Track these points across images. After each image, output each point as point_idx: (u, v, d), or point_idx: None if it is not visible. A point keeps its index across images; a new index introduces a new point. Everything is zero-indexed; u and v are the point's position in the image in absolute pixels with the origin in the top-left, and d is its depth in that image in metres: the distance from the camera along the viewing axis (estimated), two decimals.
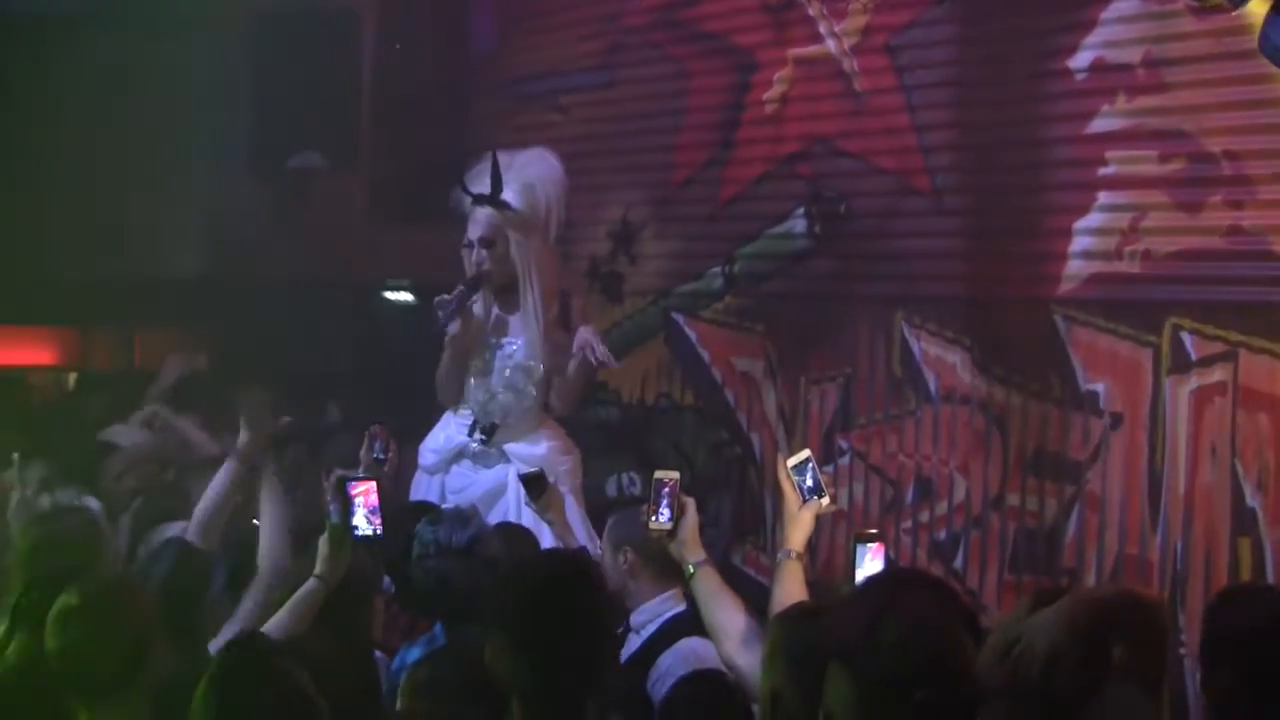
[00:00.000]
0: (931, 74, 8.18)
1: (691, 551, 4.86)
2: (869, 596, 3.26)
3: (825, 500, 5.01)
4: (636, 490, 8.16)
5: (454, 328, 6.87)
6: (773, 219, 8.89)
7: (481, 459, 7.06)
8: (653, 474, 5.00)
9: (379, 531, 5.09)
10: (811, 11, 8.65)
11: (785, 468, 5.00)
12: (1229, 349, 7.02)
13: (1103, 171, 7.44)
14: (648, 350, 9.64)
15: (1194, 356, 7.15)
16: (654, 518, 4.89)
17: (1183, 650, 6.66)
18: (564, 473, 6.98)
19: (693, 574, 4.85)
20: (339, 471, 5.74)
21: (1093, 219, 7.47)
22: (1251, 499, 6.91)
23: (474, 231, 6.97)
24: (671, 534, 4.90)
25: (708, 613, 4.79)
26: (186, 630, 4.71)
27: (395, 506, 5.56)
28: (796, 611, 4.21)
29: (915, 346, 8.21)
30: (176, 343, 11.39)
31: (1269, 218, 6.90)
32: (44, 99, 10.52)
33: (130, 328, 11.84)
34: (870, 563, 4.91)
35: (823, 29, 8.60)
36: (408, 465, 7.29)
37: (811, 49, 8.68)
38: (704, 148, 9.32)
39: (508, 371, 7.01)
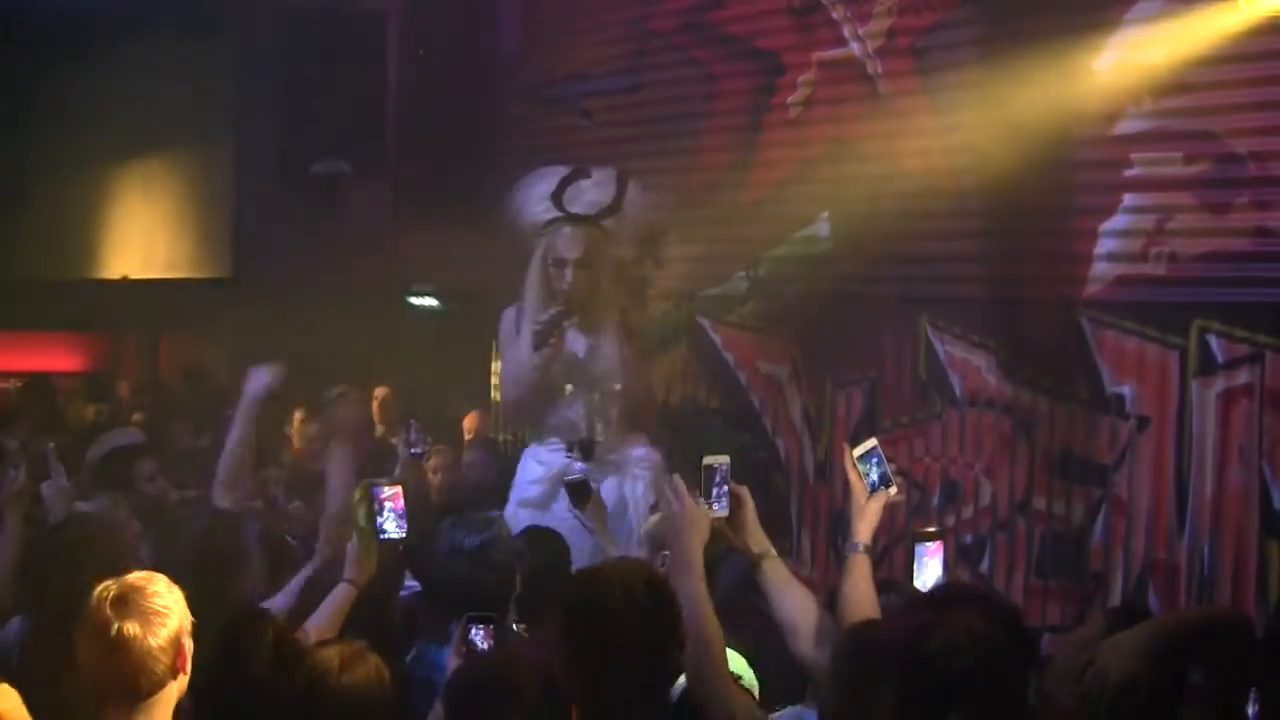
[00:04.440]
0: (955, 76, 8.16)
1: (756, 542, 4.67)
2: (918, 610, 3.22)
3: (893, 490, 4.92)
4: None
5: (546, 352, 6.61)
6: (797, 222, 8.88)
7: (596, 474, 6.74)
8: (698, 467, 4.90)
9: (405, 534, 5.10)
10: (836, 15, 8.64)
11: (851, 458, 4.91)
12: (1255, 351, 6.99)
13: (1128, 173, 7.42)
14: (672, 354, 9.63)
15: (1220, 359, 7.12)
16: (708, 506, 4.77)
17: None
18: (652, 481, 6.77)
19: (759, 566, 4.76)
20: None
21: (1118, 221, 7.45)
22: (1279, 501, 6.88)
23: (570, 251, 6.67)
24: (730, 523, 4.80)
25: (777, 606, 4.61)
26: (215, 594, 4.67)
27: (421, 509, 5.58)
28: (857, 632, 4.12)
29: (940, 349, 8.19)
30: (200, 348, 11.47)
31: None
32: (72, 101, 10.57)
33: (156, 332, 11.87)
34: (929, 561, 4.76)
35: (847, 32, 8.59)
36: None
37: (836, 52, 8.67)
38: (729, 151, 9.31)
39: (598, 390, 6.80)
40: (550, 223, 6.75)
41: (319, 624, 4.89)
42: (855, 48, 8.56)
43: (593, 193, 6.72)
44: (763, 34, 9.15)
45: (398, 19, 10.73)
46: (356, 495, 5.13)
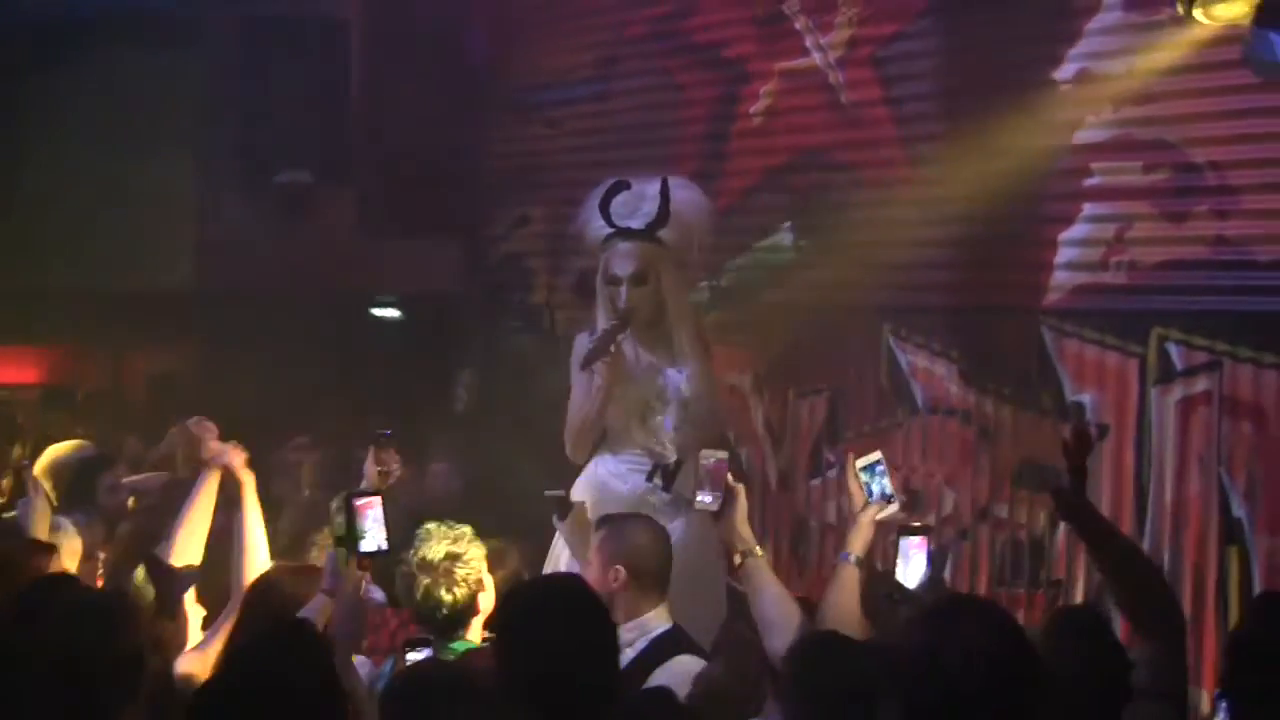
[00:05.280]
0: (917, 86, 8.20)
1: (741, 539, 4.73)
2: (923, 627, 3.22)
3: (894, 507, 4.91)
4: None
5: (598, 371, 6.25)
6: (761, 231, 8.90)
7: (667, 509, 6.20)
8: (696, 456, 4.90)
9: (384, 546, 5.07)
10: (798, 25, 8.67)
11: (854, 467, 4.92)
12: (1214, 359, 7.03)
13: (1088, 182, 7.46)
14: None
15: (1180, 366, 7.17)
16: (699, 497, 4.78)
17: None
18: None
19: (741, 563, 4.78)
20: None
21: (1079, 229, 7.49)
22: (1238, 508, 6.92)
23: (623, 267, 6.32)
24: (717, 516, 4.82)
25: (757, 604, 4.64)
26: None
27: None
28: (812, 644, 4.13)
29: (902, 359, 8.22)
30: (163, 358, 11.43)
31: (1254, 227, 6.93)
32: (32, 111, 10.52)
33: (119, 343, 11.81)
34: (914, 555, 4.76)
35: (809, 42, 8.61)
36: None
37: (798, 61, 8.69)
38: (693, 160, 9.32)
39: (684, 408, 6.40)
40: (607, 239, 6.46)
41: None
42: (817, 57, 8.58)
43: (640, 205, 6.41)
44: (728, 43, 9.17)
45: (363, 28, 10.72)
46: (334, 505, 5.11)
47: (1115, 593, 4.58)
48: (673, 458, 6.32)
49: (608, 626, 4.04)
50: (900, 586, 4.60)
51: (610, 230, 6.41)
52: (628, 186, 6.43)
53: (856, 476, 4.87)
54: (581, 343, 6.46)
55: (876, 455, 4.94)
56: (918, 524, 4.95)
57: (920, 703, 3.03)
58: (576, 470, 7.52)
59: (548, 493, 6.37)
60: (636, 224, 6.35)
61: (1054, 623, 4.18)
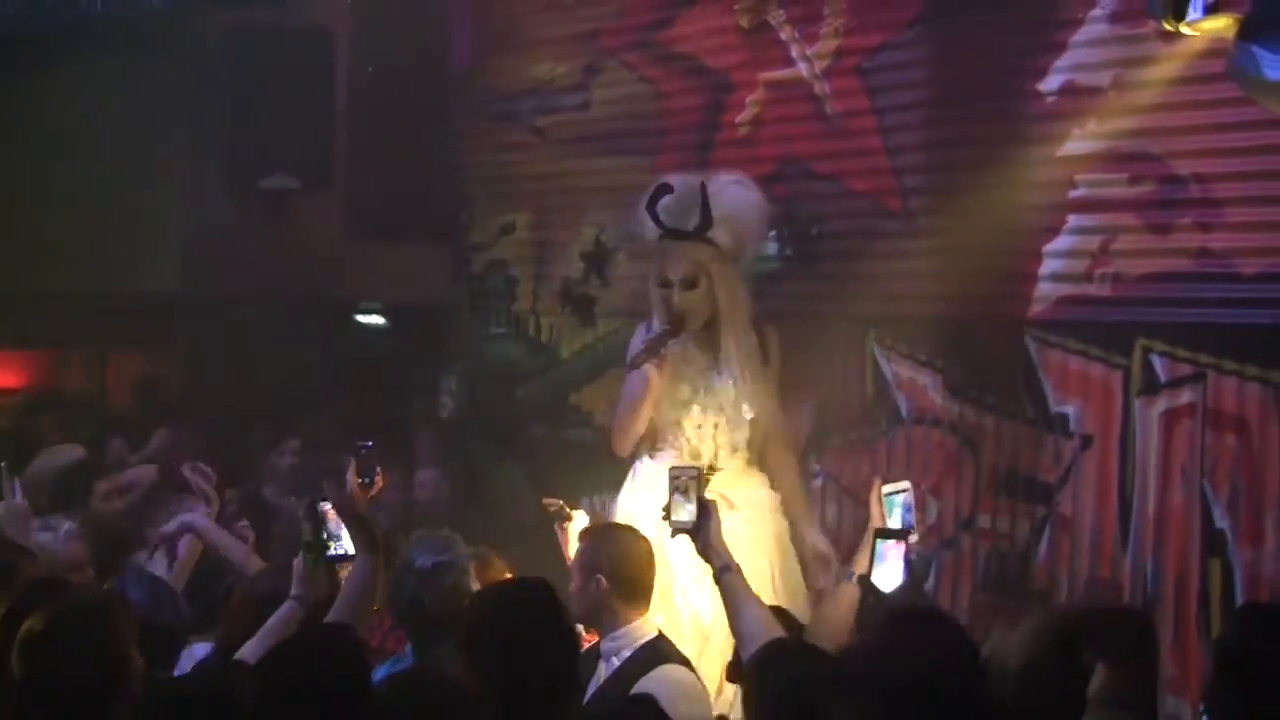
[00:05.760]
0: (903, 96, 8.22)
1: (718, 555, 4.76)
2: (872, 634, 3.25)
3: (913, 538, 4.90)
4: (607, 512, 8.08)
5: (647, 372, 6.23)
6: None
7: None
8: (669, 473, 4.87)
9: (351, 551, 5.08)
10: (783, 35, 8.68)
11: (878, 491, 4.92)
12: (1198, 370, 7.05)
13: (1073, 194, 7.47)
14: (620, 372, 9.62)
15: (1164, 378, 7.18)
16: (673, 514, 4.78)
17: None
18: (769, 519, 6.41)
19: (719, 578, 4.78)
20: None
21: (1063, 241, 7.51)
22: (1221, 520, 6.94)
23: (675, 270, 6.31)
24: (694, 534, 4.81)
25: (734, 618, 4.68)
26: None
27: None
28: (771, 651, 4.16)
29: (887, 368, 8.23)
30: (148, 362, 11.41)
31: (1238, 240, 6.94)
32: (15, 115, 10.50)
33: (103, 347, 11.79)
34: (891, 558, 4.76)
35: (794, 52, 8.62)
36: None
37: (783, 72, 8.70)
38: (678, 169, 9.29)
39: (726, 412, 6.39)
40: (661, 239, 6.47)
41: (265, 644, 4.87)
42: (803, 68, 8.59)
43: (693, 205, 6.36)
44: (712, 53, 9.17)
45: (347, 34, 10.71)
46: (302, 511, 5.12)
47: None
48: (704, 463, 6.22)
49: (563, 629, 4.09)
50: (875, 589, 4.60)
51: (662, 232, 6.40)
52: (670, 189, 6.41)
53: (881, 500, 4.88)
54: (638, 337, 6.49)
55: (904, 484, 4.95)
56: (895, 527, 4.93)
57: (867, 706, 3.05)
58: (563, 478, 7.54)
59: (546, 501, 6.37)
60: (687, 225, 6.31)
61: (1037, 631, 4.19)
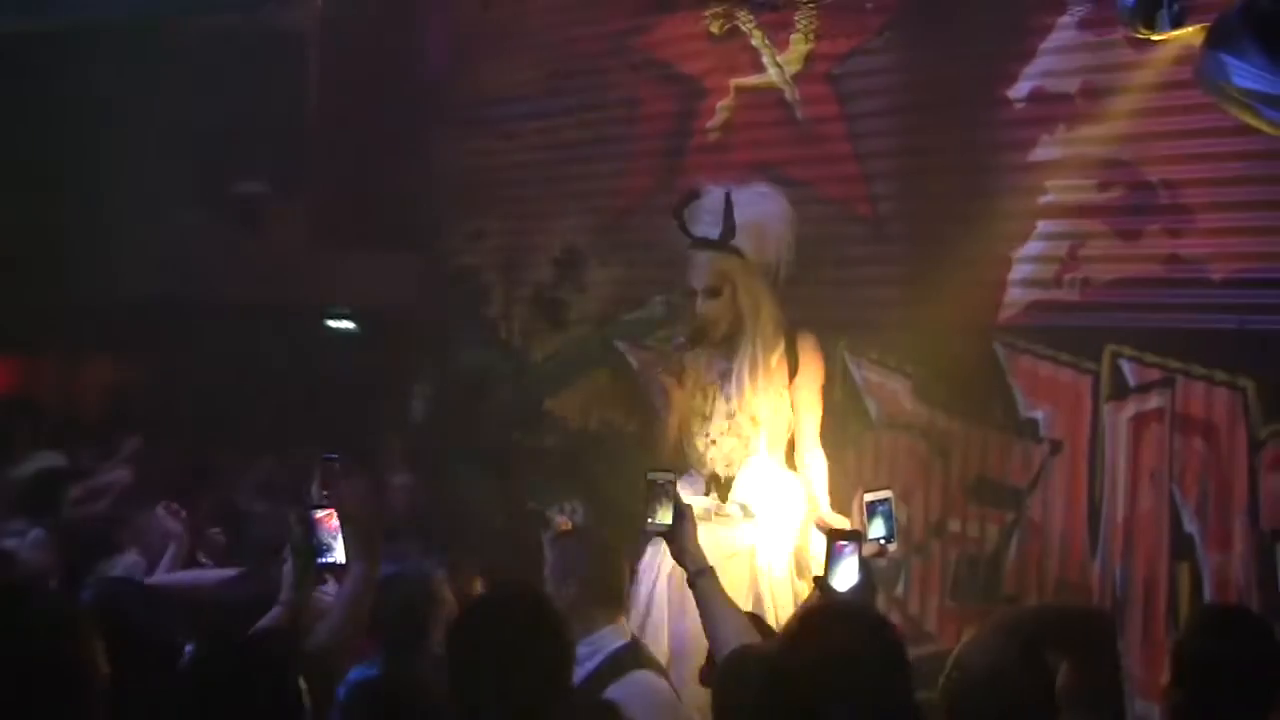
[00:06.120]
0: (873, 102, 8.24)
1: (692, 560, 4.76)
2: (785, 631, 3.26)
3: (891, 547, 4.88)
4: (579, 518, 8.08)
5: (663, 383, 6.23)
6: None
7: (721, 519, 6.15)
8: (646, 478, 4.85)
9: (342, 560, 5.06)
10: (754, 41, 8.69)
11: (860, 500, 4.90)
12: (1167, 375, 7.09)
13: (1042, 200, 7.50)
14: (591, 378, 9.65)
15: (1132, 383, 7.22)
16: (650, 520, 4.79)
17: (1121, 675, 6.69)
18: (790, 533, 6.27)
19: (694, 582, 4.79)
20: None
21: (1032, 247, 7.54)
22: (1189, 524, 6.98)
23: (698, 279, 6.24)
24: (670, 538, 4.82)
25: (709, 623, 4.67)
26: None
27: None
28: (737, 657, 4.15)
29: (857, 374, 8.24)
30: (116, 369, 11.36)
31: (1206, 246, 7.00)
32: None
33: (73, 354, 11.74)
34: (845, 560, 4.65)
35: (765, 58, 8.64)
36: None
37: (754, 77, 8.72)
38: (649, 175, 9.34)
39: (726, 422, 6.30)
40: (690, 249, 6.37)
41: None
42: (773, 73, 8.61)
43: (711, 215, 6.29)
44: (684, 58, 9.19)
45: (318, 40, 10.69)
46: (293, 517, 5.10)
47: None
48: (716, 469, 6.23)
49: (557, 639, 3.99)
50: (830, 589, 4.59)
51: (690, 240, 6.32)
52: (698, 196, 6.36)
53: (863, 509, 4.86)
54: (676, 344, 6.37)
55: (887, 493, 4.92)
56: (849, 529, 4.91)
57: (776, 703, 3.07)
58: (535, 485, 7.52)
59: (530, 507, 6.37)
60: (712, 234, 6.25)
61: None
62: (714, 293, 6.22)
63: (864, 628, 3.28)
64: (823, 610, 3.70)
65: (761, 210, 6.35)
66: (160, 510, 6.67)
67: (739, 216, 6.21)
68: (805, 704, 3.10)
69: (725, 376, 6.30)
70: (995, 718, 3.57)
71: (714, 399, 6.31)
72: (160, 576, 6.38)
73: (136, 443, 8.89)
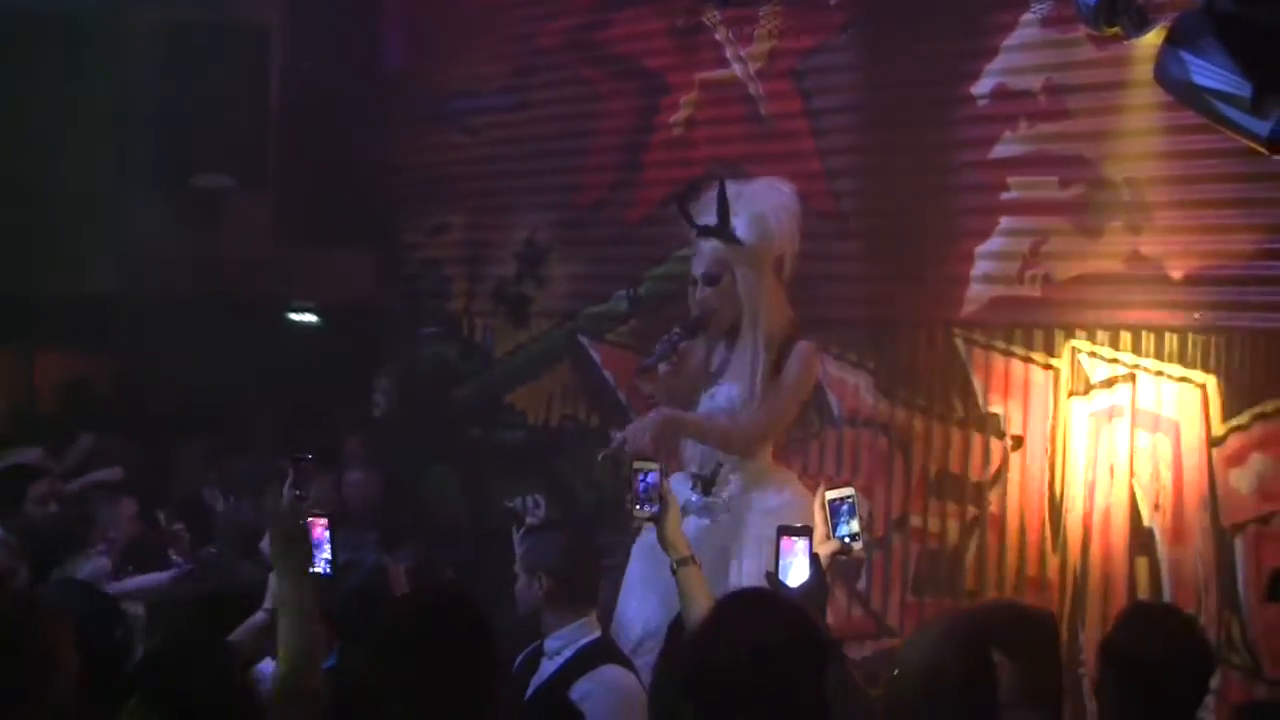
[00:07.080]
0: (836, 99, 8.26)
1: (675, 548, 4.77)
2: (703, 624, 3.27)
3: (857, 547, 4.87)
4: (541, 512, 8.05)
5: (664, 370, 6.07)
6: (680, 242, 8.89)
7: (706, 512, 6.09)
8: (632, 465, 4.82)
9: (328, 570, 5.01)
10: (718, 36, 8.71)
11: (823, 498, 4.90)
12: (1127, 372, 7.12)
13: (1004, 196, 7.54)
14: (554, 373, 9.65)
15: (1093, 379, 7.25)
16: (637, 508, 4.80)
17: (1081, 670, 6.73)
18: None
19: (676, 570, 4.78)
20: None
21: (994, 243, 7.57)
22: (1149, 519, 7.02)
23: (697, 267, 6.21)
24: (656, 524, 4.85)
25: (688, 612, 4.67)
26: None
27: None
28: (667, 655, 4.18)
29: (819, 370, 8.24)
30: (75, 364, 11.30)
31: (1167, 243, 7.03)
32: None
33: (31, 347, 11.67)
34: (795, 554, 4.60)
35: (729, 53, 8.66)
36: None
37: (718, 73, 8.73)
38: (612, 170, 9.35)
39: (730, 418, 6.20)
40: (697, 238, 6.30)
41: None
42: (737, 69, 8.63)
43: (709, 203, 6.23)
44: (647, 53, 9.19)
45: (281, 33, 10.66)
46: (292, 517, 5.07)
47: None
48: (698, 467, 6.17)
49: (476, 637, 3.97)
50: (781, 585, 4.59)
51: (694, 230, 6.27)
52: (699, 188, 6.35)
53: (824, 507, 4.85)
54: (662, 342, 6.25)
55: (849, 491, 4.89)
56: (799, 525, 4.88)
57: (699, 699, 3.09)
58: (496, 480, 7.53)
59: (507, 504, 6.36)
60: (708, 222, 6.19)
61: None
62: (712, 280, 6.18)
63: (774, 616, 3.28)
64: (736, 598, 3.69)
65: (767, 202, 6.30)
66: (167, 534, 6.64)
67: (746, 208, 6.19)
68: (715, 696, 3.11)
69: (717, 373, 6.28)
70: (931, 715, 3.58)
71: (706, 396, 6.28)
72: (130, 582, 6.35)
73: (88, 440, 8.85)
